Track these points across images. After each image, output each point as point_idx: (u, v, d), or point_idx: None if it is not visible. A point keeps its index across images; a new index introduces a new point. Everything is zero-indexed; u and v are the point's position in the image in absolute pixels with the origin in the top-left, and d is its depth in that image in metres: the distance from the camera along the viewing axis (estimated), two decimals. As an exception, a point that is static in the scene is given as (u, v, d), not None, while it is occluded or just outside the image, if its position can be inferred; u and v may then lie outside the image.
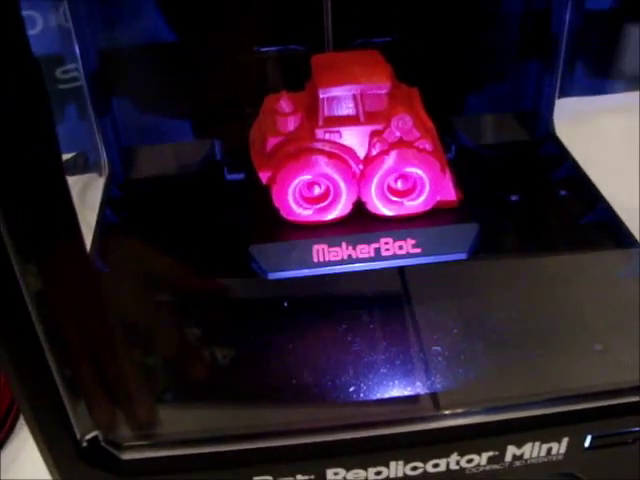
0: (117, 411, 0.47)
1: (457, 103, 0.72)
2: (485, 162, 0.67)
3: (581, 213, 0.62)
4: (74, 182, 0.75)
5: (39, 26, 0.71)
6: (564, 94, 0.71)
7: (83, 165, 0.72)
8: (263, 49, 0.67)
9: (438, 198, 0.56)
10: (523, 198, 0.63)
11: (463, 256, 0.55)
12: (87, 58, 0.64)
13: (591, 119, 0.74)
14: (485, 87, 0.72)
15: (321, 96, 0.53)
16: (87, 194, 0.73)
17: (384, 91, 0.54)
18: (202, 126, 0.71)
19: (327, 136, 0.54)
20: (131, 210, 0.64)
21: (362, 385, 0.48)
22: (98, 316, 0.41)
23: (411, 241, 0.54)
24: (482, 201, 0.61)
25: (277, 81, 0.68)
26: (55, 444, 0.44)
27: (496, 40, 0.70)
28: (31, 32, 0.70)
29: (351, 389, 0.48)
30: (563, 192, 0.64)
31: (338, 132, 0.54)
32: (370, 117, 0.54)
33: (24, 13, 0.65)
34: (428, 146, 0.54)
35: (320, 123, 0.54)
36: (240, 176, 0.63)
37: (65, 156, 0.73)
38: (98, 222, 0.62)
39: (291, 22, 0.66)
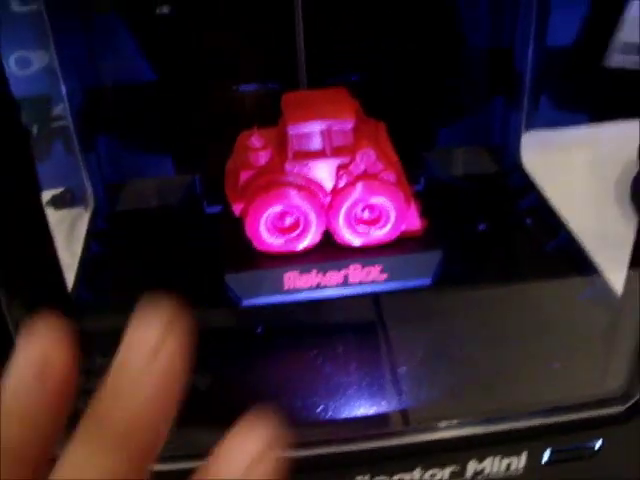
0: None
1: (427, 137, 0.75)
2: (454, 193, 0.70)
3: (545, 241, 0.64)
4: (63, 217, 0.78)
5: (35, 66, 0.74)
6: (530, 126, 0.74)
7: (70, 200, 0.75)
8: (241, 88, 0.70)
9: (403, 227, 0.59)
10: (490, 227, 0.66)
11: (428, 282, 0.58)
12: (73, 97, 0.66)
13: (558, 150, 0.76)
14: (454, 122, 0.75)
15: (290, 132, 0.56)
16: (76, 228, 0.76)
17: (349, 126, 0.57)
18: (183, 161, 0.74)
19: (296, 169, 0.57)
20: (114, 242, 0.66)
21: (329, 405, 0.50)
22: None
23: (377, 268, 0.57)
24: (449, 230, 0.64)
25: (255, 118, 0.70)
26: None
27: (463, 77, 0.73)
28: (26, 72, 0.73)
29: (319, 409, 0.50)
30: (528, 221, 0.66)
31: (307, 165, 0.57)
32: (337, 151, 0.57)
33: (19, 54, 0.69)
34: (392, 177, 0.56)
35: (289, 157, 0.57)
36: (218, 209, 0.65)
37: (53, 191, 0.76)
38: (83, 253, 0.65)
39: (267, 62, 0.70)
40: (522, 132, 0.73)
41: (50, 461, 0.21)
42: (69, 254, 0.69)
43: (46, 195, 0.76)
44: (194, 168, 0.73)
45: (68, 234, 0.76)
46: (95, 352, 0.55)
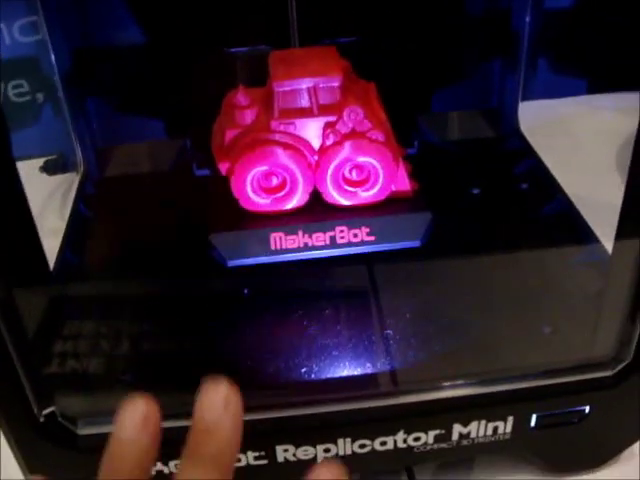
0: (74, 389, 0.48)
1: (422, 100, 0.74)
2: (449, 158, 0.69)
3: (540, 205, 0.63)
4: (57, 183, 0.77)
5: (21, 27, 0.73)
6: (529, 96, 0.72)
7: (63, 166, 0.74)
8: (232, 49, 0.69)
9: (392, 188, 0.57)
10: (484, 191, 0.64)
11: (417, 244, 0.56)
12: (61, 59, 0.65)
13: (557, 118, 0.75)
14: (450, 85, 0.73)
15: (276, 89, 0.55)
16: (69, 194, 0.75)
17: (336, 84, 0.56)
18: (175, 125, 0.73)
19: (282, 128, 0.55)
20: (103, 206, 0.66)
21: (314, 366, 0.50)
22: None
23: (365, 229, 0.56)
24: (441, 193, 0.62)
25: (246, 80, 0.69)
26: (13, 420, 0.46)
27: (460, 39, 0.72)
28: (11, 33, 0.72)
29: (303, 370, 0.49)
30: (524, 185, 0.65)
31: (293, 124, 0.55)
32: (323, 109, 0.56)
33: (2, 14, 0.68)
34: (380, 137, 0.55)
35: (275, 115, 0.56)
36: (207, 171, 0.64)
37: (45, 157, 0.75)
38: (71, 216, 0.64)
39: (258, 23, 0.68)
40: (520, 98, 0.71)
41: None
42: (62, 220, 0.68)
43: (38, 161, 0.74)
44: (186, 131, 0.71)
45: (61, 200, 0.75)
46: (81, 315, 0.56)
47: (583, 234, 0.59)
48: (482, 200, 0.63)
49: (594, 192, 0.64)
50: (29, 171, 0.71)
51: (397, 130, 0.60)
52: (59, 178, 0.76)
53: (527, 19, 0.68)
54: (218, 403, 0.33)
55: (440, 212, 0.58)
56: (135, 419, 0.33)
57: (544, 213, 0.62)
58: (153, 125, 0.72)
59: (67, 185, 0.76)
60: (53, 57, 0.65)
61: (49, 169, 0.74)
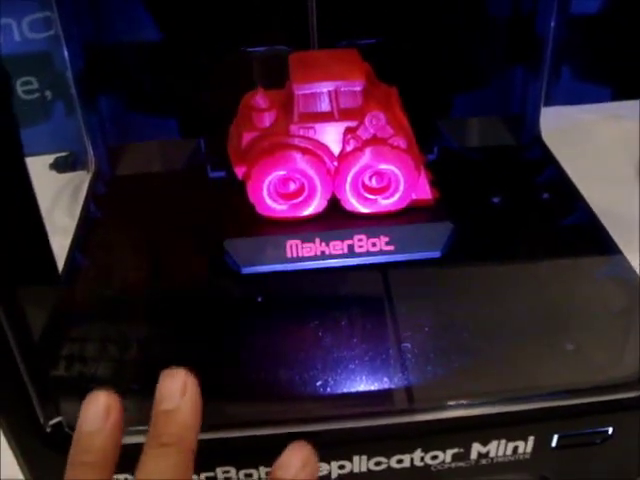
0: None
1: (443, 105, 0.72)
2: (469, 165, 0.67)
3: (561, 216, 0.61)
4: (67, 180, 0.76)
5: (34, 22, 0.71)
6: (552, 101, 0.70)
7: (74, 163, 0.73)
8: (249, 49, 0.68)
9: (413, 196, 0.56)
10: (504, 200, 0.63)
11: (437, 254, 0.55)
12: (74, 56, 0.64)
13: (580, 126, 0.73)
14: (472, 90, 0.72)
15: (296, 92, 0.54)
16: (80, 192, 0.74)
17: (358, 88, 0.54)
18: (188, 125, 0.71)
19: (302, 132, 0.54)
20: (114, 206, 0.64)
21: (329, 379, 0.48)
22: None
23: (384, 238, 0.54)
24: (462, 202, 0.61)
25: (263, 81, 0.68)
26: (19, 430, 0.45)
27: (482, 44, 0.70)
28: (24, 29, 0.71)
29: (318, 383, 0.48)
30: (545, 195, 0.63)
31: (312, 128, 0.54)
32: (344, 114, 0.54)
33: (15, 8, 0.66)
34: (402, 143, 0.54)
35: (295, 119, 0.54)
36: (222, 173, 0.63)
37: (56, 154, 0.73)
38: (81, 217, 0.63)
39: (277, 23, 0.67)
40: (542, 105, 0.69)
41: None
42: (72, 219, 0.66)
43: (49, 158, 0.73)
44: (200, 131, 0.70)
45: (71, 198, 0.74)
46: (89, 320, 0.54)
47: (606, 247, 0.57)
48: (503, 210, 0.61)
49: (615, 203, 0.62)
50: (39, 168, 0.70)
51: (417, 135, 0.59)
52: (69, 175, 0.74)
53: (552, 24, 0.65)
54: (176, 389, 0.35)
55: (460, 221, 0.56)
56: (97, 411, 0.34)
57: (566, 224, 0.60)
58: (166, 124, 0.71)
59: (77, 182, 0.75)
60: (66, 53, 0.63)
61: (59, 166, 0.72)
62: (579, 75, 0.73)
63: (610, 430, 0.48)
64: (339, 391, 0.47)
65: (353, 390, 0.47)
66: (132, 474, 0.34)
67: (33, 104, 0.74)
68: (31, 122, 0.76)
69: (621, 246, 0.57)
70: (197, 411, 0.35)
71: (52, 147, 0.73)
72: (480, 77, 0.71)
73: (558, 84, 0.70)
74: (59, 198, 0.76)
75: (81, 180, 0.73)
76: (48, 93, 0.73)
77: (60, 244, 0.59)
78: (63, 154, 0.73)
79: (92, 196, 0.65)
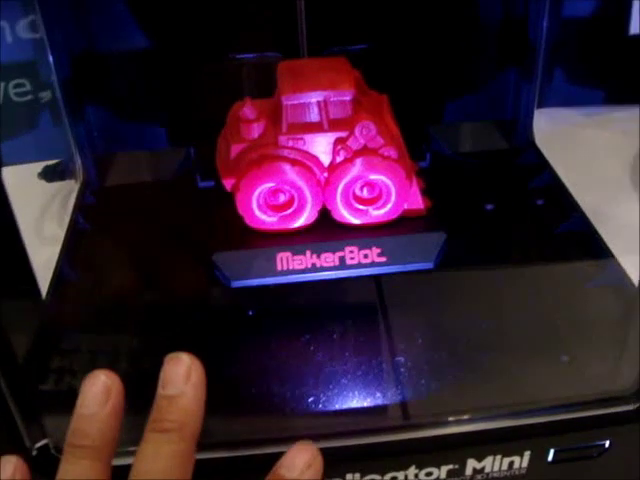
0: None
1: (435, 111, 0.71)
2: (461, 170, 0.67)
3: (556, 222, 0.60)
4: (56, 189, 0.75)
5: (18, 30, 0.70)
6: (544, 104, 0.70)
7: (61, 172, 0.72)
8: (238, 56, 0.67)
9: (405, 206, 0.55)
10: (498, 207, 0.62)
11: (430, 265, 0.54)
12: (60, 64, 0.63)
13: (573, 129, 0.72)
14: (463, 95, 0.71)
15: (284, 103, 0.53)
16: (69, 201, 0.73)
17: (348, 98, 0.53)
18: (177, 133, 0.70)
19: (291, 143, 0.53)
20: (102, 217, 0.63)
21: (321, 395, 0.47)
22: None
23: (376, 250, 0.53)
24: (454, 210, 0.60)
25: (252, 88, 0.67)
26: (3, 453, 0.43)
27: (474, 48, 0.69)
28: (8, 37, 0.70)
29: (310, 399, 0.47)
30: (539, 201, 0.63)
31: (302, 139, 0.53)
32: (334, 124, 0.53)
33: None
34: (393, 153, 0.53)
35: (284, 130, 0.53)
36: (212, 183, 0.62)
37: (45, 163, 0.72)
38: (69, 229, 0.62)
39: (266, 29, 0.66)
40: (535, 108, 0.68)
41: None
42: (62, 228, 0.65)
43: (38, 167, 0.72)
44: (188, 140, 0.69)
45: (61, 207, 0.73)
46: (76, 330, 0.53)
47: (601, 255, 0.56)
48: (496, 217, 0.60)
49: (607, 208, 0.61)
50: (28, 176, 0.69)
51: (408, 141, 0.58)
52: (59, 184, 0.73)
53: (544, 27, 0.64)
54: (180, 374, 0.34)
55: (453, 231, 0.55)
56: (96, 394, 0.34)
57: (560, 232, 0.59)
58: (155, 133, 0.69)
59: (67, 191, 0.74)
60: (51, 59, 0.62)
61: (47, 176, 0.71)
62: (571, 78, 0.72)
63: (607, 443, 0.47)
64: (331, 408, 0.46)
65: (346, 406, 0.47)
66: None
67: (25, 106, 0.73)
68: (18, 131, 0.75)
69: (621, 250, 0.57)
70: (201, 398, 0.34)
71: (40, 156, 0.72)
72: (472, 81, 0.70)
73: (550, 87, 0.69)
74: (48, 207, 0.75)
75: (71, 189, 0.72)
76: (42, 95, 0.72)
77: (49, 254, 0.59)
78: (52, 163, 0.72)
79: (80, 207, 0.64)
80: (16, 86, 0.73)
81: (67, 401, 0.45)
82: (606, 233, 0.58)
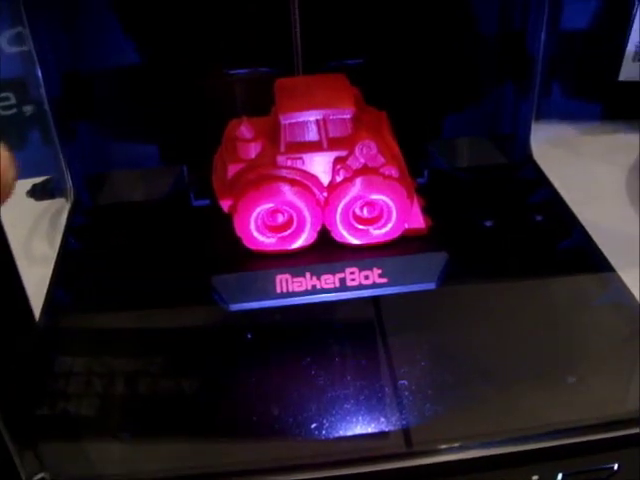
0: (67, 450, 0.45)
1: (432, 126, 0.70)
2: (460, 186, 0.66)
3: (556, 240, 0.59)
4: (46, 208, 0.73)
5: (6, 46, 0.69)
6: (542, 118, 0.69)
7: (51, 191, 0.70)
8: (232, 71, 0.66)
9: (406, 226, 0.54)
10: (497, 224, 0.61)
11: (432, 286, 0.53)
12: (50, 82, 0.61)
13: (571, 143, 0.72)
14: (460, 110, 0.70)
15: (282, 122, 0.52)
16: (60, 220, 0.71)
17: (348, 116, 0.52)
18: (170, 151, 0.69)
19: (289, 163, 0.52)
20: (94, 238, 0.62)
21: (322, 421, 0.46)
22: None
23: (377, 271, 0.52)
24: (454, 228, 0.59)
25: (247, 105, 0.66)
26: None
27: (472, 62, 0.68)
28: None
29: (310, 426, 0.46)
30: (539, 217, 0.62)
31: (300, 159, 0.52)
32: (334, 143, 0.52)
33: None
34: (394, 172, 0.52)
35: (282, 149, 0.52)
36: (206, 202, 0.61)
37: (34, 180, 0.71)
38: (60, 250, 0.60)
39: (260, 44, 0.65)
40: (533, 122, 0.68)
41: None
42: (52, 248, 0.64)
43: (26, 184, 0.71)
44: (182, 158, 0.67)
45: (51, 226, 0.71)
46: (70, 358, 0.52)
47: (604, 272, 0.56)
48: (496, 234, 0.60)
49: (607, 223, 0.61)
50: (16, 194, 0.68)
51: (406, 158, 0.57)
52: (48, 202, 0.71)
53: (542, 41, 0.64)
54: None
55: (455, 250, 0.54)
56: None
57: (561, 248, 0.58)
58: (148, 151, 0.68)
59: (57, 210, 0.72)
60: (40, 74, 0.60)
61: (36, 194, 0.70)
62: (569, 92, 0.71)
63: (615, 466, 0.46)
64: (331, 434, 0.45)
65: (346, 433, 0.45)
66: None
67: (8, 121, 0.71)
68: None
69: (625, 267, 0.56)
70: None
71: (29, 173, 0.70)
72: (470, 96, 0.70)
73: (548, 101, 0.68)
74: (38, 226, 0.73)
75: (61, 208, 0.71)
76: (27, 109, 0.71)
77: (39, 275, 0.58)
78: (40, 180, 0.71)
79: (71, 227, 0.63)
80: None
81: (65, 430, 0.45)
82: (607, 248, 0.57)
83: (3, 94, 0.72)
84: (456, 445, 0.45)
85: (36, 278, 0.58)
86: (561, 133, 0.71)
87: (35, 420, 0.46)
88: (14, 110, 0.73)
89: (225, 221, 0.55)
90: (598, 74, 0.71)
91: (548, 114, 0.70)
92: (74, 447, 0.46)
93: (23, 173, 0.69)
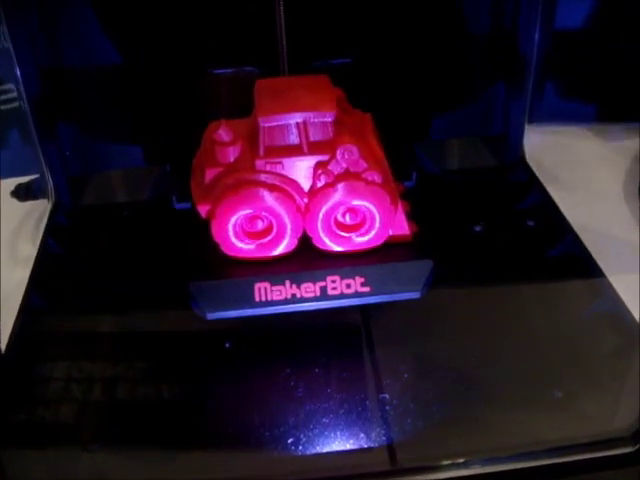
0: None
1: (421, 127, 0.69)
2: (449, 189, 0.64)
3: (548, 246, 0.58)
4: (30, 208, 0.72)
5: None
6: (535, 120, 0.67)
7: (35, 191, 0.69)
8: (216, 71, 0.64)
9: (390, 233, 0.53)
10: (487, 228, 0.59)
11: (416, 295, 0.52)
12: (29, 81, 0.59)
13: (564, 146, 0.70)
14: (449, 110, 0.68)
15: (262, 125, 0.50)
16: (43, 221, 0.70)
17: (329, 119, 0.51)
18: (153, 151, 0.67)
19: (268, 167, 0.51)
20: (74, 240, 0.60)
21: (301, 436, 0.45)
22: None
23: (360, 279, 0.51)
24: (442, 233, 0.58)
25: (231, 104, 0.64)
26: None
27: (462, 61, 0.67)
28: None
29: (289, 440, 0.44)
30: (530, 222, 0.60)
31: (280, 163, 0.51)
32: (315, 147, 0.51)
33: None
34: (377, 177, 0.50)
35: (261, 153, 0.51)
36: (188, 205, 0.59)
37: (17, 180, 0.69)
38: (39, 252, 0.59)
39: (245, 43, 0.63)
40: (525, 124, 0.66)
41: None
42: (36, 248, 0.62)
43: (11, 184, 0.69)
44: (165, 158, 0.66)
45: (35, 226, 0.70)
46: (47, 360, 0.50)
47: (596, 281, 0.54)
48: (485, 240, 0.58)
49: (601, 228, 0.61)
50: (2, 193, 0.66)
51: (393, 160, 0.56)
52: (28, 204, 0.70)
53: (535, 40, 0.62)
54: None
55: (441, 257, 0.53)
56: None
57: (552, 255, 0.57)
58: (130, 151, 0.67)
59: (42, 210, 0.71)
60: (19, 72, 0.58)
61: (20, 195, 0.68)
62: (563, 93, 0.69)
63: (604, 486, 0.45)
64: (312, 450, 0.44)
65: (327, 449, 0.44)
66: None
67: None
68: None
69: (617, 274, 0.55)
70: None
71: (9, 173, 0.69)
72: (459, 96, 0.68)
73: (541, 102, 0.66)
74: (23, 226, 0.72)
75: (45, 208, 0.69)
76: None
77: (22, 276, 0.57)
78: (24, 181, 0.69)
79: (51, 229, 0.61)
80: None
81: (31, 443, 0.43)
82: (600, 255, 0.56)
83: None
84: (442, 463, 0.44)
85: (18, 279, 0.57)
86: (555, 135, 0.69)
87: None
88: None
89: (206, 225, 0.53)
90: (593, 75, 0.69)
91: (542, 116, 0.68)
92: (40, 459, 0.45)
93: (8, 172, 0.68)
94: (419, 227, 0.55)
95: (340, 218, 0.52)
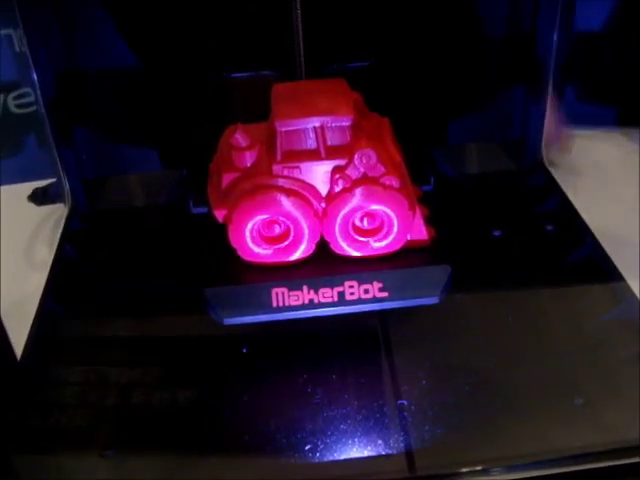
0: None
1: (439, 131, 0.68)
2: (467, 194, 0.64)
3: (566, 250, 0.57)
4: (47, 213, 0.72)
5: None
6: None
7: (52, 196, 0.69)
8: (234, 75, 0.64)
9: (408, 238, 0.52)
10: (506, 233, 0.59)
11: (434, 300, 0.51)
12: (46, 85, 0.60)
13: (584, 149, 0.69)
14: (468, 115, 0.68)
15: (279, 129, 0.50)
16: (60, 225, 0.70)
17: (347, 123, 0.50)
18: (170, 155, 0.67)
19: (286, 172, 0.50)
20: (91, 245, 0.60)
21: (318, 442, 0.45)
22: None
23: (377, 284, 0.51)
24: (460, 238, 0.57)
25: (248, 108, 0.64)
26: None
27: (480, 65, 0.66)
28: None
29: (306, 446, 0.44)
30: (549, 227, 0.59)
31: (298, 168, 0.50)
32: (332, 152, 0.51)
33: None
34: (395, 182, 0.50)
35: (278, 158, 0.50)
36: (205, 209, 0.59)
37: (34, 184, 0.69)
38: (55, 257, 0.59)
39: (262, 47, 0.63)
40: (544, 128, 0.65)
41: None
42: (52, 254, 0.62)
43: (25, 189, 0.69)
44: (182, 162, 0.66)
45: (53, 231, 0.70)
46: (64, 364, 0.50)
47: (616, 286, 0.53)
48: (504, 245, 0.57)
49: (620, 232, 0.60)
50: (19, 197, 0.66)
51: (412, 164, 0.55)
52: (46, 208, 0.70)
53: (554, 42, 0.61)
54: None
55: (459, 262, 0.52)
56: None
57: (572, 261, 0.56)
58: (148, 155, 0.66)
59: (60, 215, 0.71)
60: (35, 76, 0.58)
61: (37, 199, 0.68)
62: (583, 97, 0.69)
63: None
64: (329, 456, 0.44)
65: (345, 455, 0.44)
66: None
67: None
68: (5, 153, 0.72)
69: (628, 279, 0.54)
70: None
71: (26, 178, 0.69)
72: (478, 100, 0.67)
73: (560, 106, 0.65)
74: (40, 230, 0.72)
75: (62, 212, 0.69)
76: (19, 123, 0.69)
77: (39, 281, 0.57)
78: (42, 185, 0.69)
79: (68, 233, 0.61)
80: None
81: (47, 449, 0.43)
82: (620, 259, 0.56)
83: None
84: (461, 470, 0.44)
85: (35, 284, 0.57)
86: (574, 139, 0.68)
87: (18, 439, 0.45)
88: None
89: (223, 230, 0.53)
90: (612, 78, 0.68)
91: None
92: (57, 465, 0.44)
93: (20, 178, 0.68)
94: (437, 232, 0.54)
95: (358, 223, 0.52)
